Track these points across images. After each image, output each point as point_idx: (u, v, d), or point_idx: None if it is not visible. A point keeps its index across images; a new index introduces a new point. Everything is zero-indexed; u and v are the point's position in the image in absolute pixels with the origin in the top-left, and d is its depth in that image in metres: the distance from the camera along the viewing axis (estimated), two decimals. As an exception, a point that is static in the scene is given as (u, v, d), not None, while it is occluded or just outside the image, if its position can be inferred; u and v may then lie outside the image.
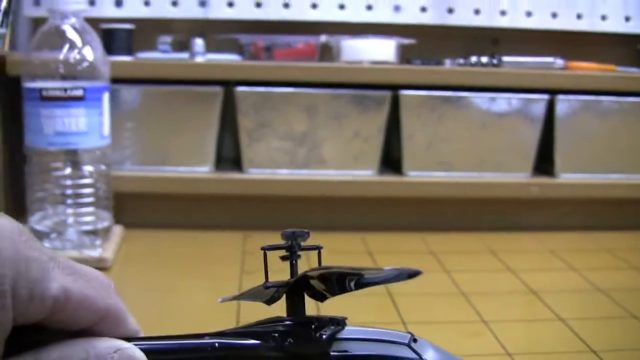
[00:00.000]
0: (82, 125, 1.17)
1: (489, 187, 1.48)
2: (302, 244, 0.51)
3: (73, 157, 1.21)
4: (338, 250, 1.32)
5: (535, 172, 1.53)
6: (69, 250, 1.19)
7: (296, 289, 0.49)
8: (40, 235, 1.21)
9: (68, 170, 1.21)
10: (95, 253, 1.19)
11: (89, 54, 1.18)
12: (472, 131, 1.48)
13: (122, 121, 1.41)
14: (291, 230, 0.50)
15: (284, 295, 0.50)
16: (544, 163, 1.54)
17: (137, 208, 1.44)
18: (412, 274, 0.45)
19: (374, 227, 1.48)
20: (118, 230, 1.33)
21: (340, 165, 1.46)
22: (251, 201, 1.46)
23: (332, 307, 1.01)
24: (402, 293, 1.09)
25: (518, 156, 1.51)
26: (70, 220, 1.22)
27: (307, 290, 0.49)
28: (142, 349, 0.43)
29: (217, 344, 0.46)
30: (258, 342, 0.47)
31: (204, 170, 1.45)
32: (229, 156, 1.58)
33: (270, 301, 0.50)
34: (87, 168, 1.22)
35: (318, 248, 0.51)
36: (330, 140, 1.45)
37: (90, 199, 1.23)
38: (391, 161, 1.55)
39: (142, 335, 0.46)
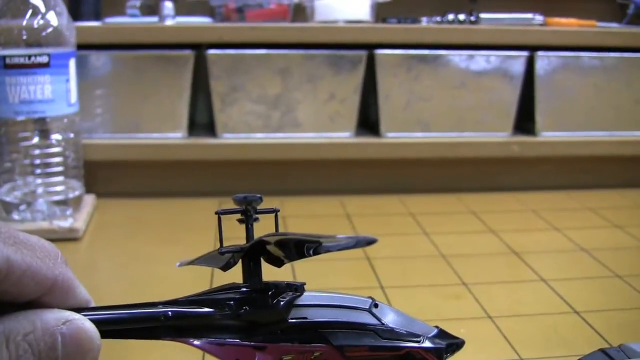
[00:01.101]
0: (48, 93, 1.15)
1: (469, 146, 1.46)
2: (258, 207, 0.50)
3: (41, 126, 1.18)
4: (316, 214, 1.31)
5: (516, 131, 1.52)
6: (39, 221, 1.17)
7: (252, 255, 0.48)
8: (9, 207, 1.19)
9: (36, 140, 1.19)
10: (66, 223, 1.17)
11: (53, 19, 1.15)
12: (450, 90, 1.47)
13: (91, 88, 1.39)
14: (242, 194, 0.49)
15: (240, 261, 0.49)
16: (525, 122, 1.53)
17: (109, 177, 1.42)
18: (370, 242, 0.44)
19: (352, 189, 1.47)
20: (90, 199, 1.31)
21: (316, 128, 1.45)
22: (226, 167, 1.44)
23: (306, 271, 1.01)
24: (381, 257, 1.08)
25: (498, 115, 1.49)
26: (40, 190, 1.20)
27: (263, 256, 0.48)
28: (92, 320, 0.42)
29: (169, 313, 0.45)
30: (212, 310, 0.46)
31: (176, 136, 1.43)
32: (202, 121, 1.57)
33: (225, 267, 0.49)
34: (55, 137, 1.20)
35: (274, 211, 0.50)
36: (305, 103, 1.44)
37: (59, 169, 1.21)
38: (368, 123, 1.54)
39: (93, 305, 0.44)
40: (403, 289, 0.97)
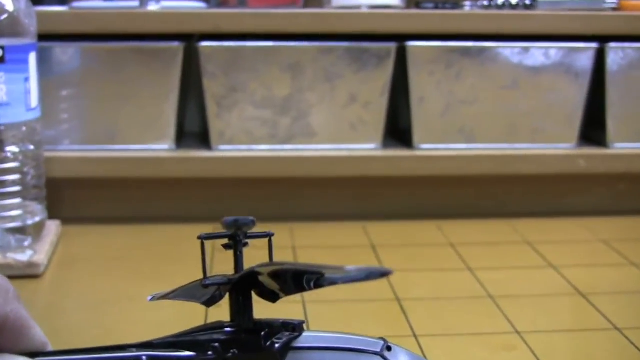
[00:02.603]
0: (2, 95, 1.15)
1: (523, 161, 1.45)
2: (249, 232, 0.49)
3: (-7, 136, 1.19)
4: (333, 244, 1.31)
5: (582, 142, 1.51)
6: (-10, 253, 1.17)
7: (242, 287, 0.47)
8: (-47, 236, 1.18)
9: (-15, 153, 1.19)
10: (23, 257, 1.16)
11: (7, 3, 1.15)
12: (499, 91, 1.46)
13: (56, 89, 1.39)
14: (233, 217, 0.48)
15: (227, 295, 0.48)
16: (593, 130, 1.51)
17: (77, 198, 1.42)
18: (384, 274, 0.43)
19: (378, 214, 1.46)
20: (53, 226, 1.30)
21: (334, 138, 1.44)
22: (222, 186, 1.44)
23: (320, 314, 0.99)
24: (413, 298, 1.07)
25: (560, 122, 1.48)
26: (-9, 215, 1.20)
27: (255, 289, 0.47)
28: None
29: (143, 358, 0.44)
30: (194, 354, 0.45)
31: (162, 148, 1.42)
32: (194, 130, 1.57)
33: (210, 302, 0.49)
34: (11, 149, 1.19)
35: (268, 235, 0.49)
36: (321, 107, 1.43)
37: (15, 189, 1.20)
38: (398, 131, 1.53)
39: (50, 349, 0.44)
40: (441, 338, 0.95)
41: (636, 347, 0.93)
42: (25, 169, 1.21)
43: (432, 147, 1.46)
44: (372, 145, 1.45)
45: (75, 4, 1.45)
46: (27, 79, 1.17)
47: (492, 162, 1.45)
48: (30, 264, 1.15)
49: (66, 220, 1.35)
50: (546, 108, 1.47)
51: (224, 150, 1.43)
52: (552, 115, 1.48)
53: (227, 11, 1.43)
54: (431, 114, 1.45)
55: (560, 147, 1.48)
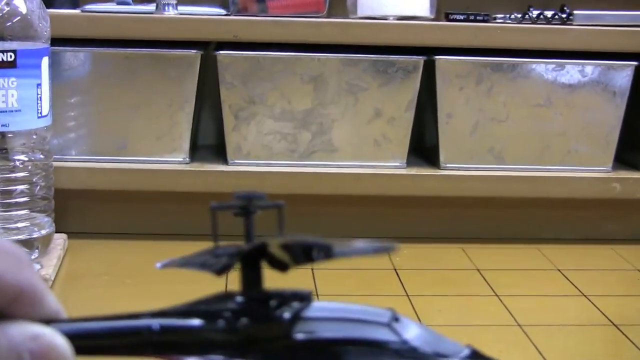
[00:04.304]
0: (13, 101, 1.17)
1: (555, 184, 1.47)
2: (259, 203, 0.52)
3: (1, 143, 1.20)
4: (354, 266, 1.31)
5: (618, 165, 1.52)
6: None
7: (252, 258, 0.49)
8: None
9: (-6, 161, 1.21)
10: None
11: (21, 5, 1.17)
12: (532, 109, 1.47)
13: (67, 96, 1.40)
14: (246, 192, 0.51)
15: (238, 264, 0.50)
16: (630, 153, 1.53)
17: (86, 211, 1.44)
18: (390, 249, 0.45)
19: (402, 235, 1.48)
20: (60, 240, 1.32)
21: (357, 155, 1.45)
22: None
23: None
24: (438, 324, 1.08)
25: (595, 143, 1.49)
26: (-3, 226, 1.22)
27: (265, 259, 0.50)
28: (64, 334, 0.43)
29: (156, 326, 0.46)
30: (204, 322, 0.47)
31: (175, 160, 1.44)
32: (209, 143, 1.58)
33: (221, 271, 0.51)
34: (20, 157, 1.21)
35: (279, 205, 0.52)
36: (343, 122, 1.45)
37: (23, 199, 1.22)
38: (424, 149, 1.55)
39: (64, 316, 0.46)
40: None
41: (671, 381, 0.95)
42: (34, 179, 1.23)
43: (459, 167, 1.47)
44: (396, 163, 1.46)
45: (88, 7, 1.46)
46: (39, 85, 1.19)
47: (522, 183, 1.46)
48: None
49: (74, 234, 1.37)
50: (581, 128, 1.48)
51: (241, 164, 1.44)
52: (587, 136, 1.49)
53: (246, 18, 1.44)
54: (459, 131, 1.47)
55: (594, 170, 1.49)
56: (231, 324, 0.48)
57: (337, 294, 1.12)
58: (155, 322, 0.47)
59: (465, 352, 0.52)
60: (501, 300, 1.19)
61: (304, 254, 0.48)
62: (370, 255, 0.47)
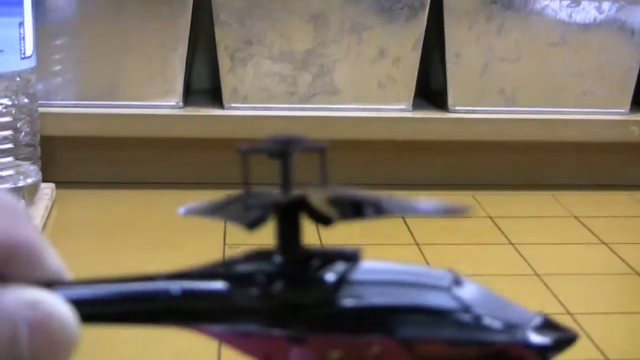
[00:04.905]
0: (-6, 40, 1.15)
1: (570, 127, 1.45)
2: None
3: (-19, 86, 1.19)
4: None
5: (636, 107, 1.50)
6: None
7: (290, 210, 0.46)
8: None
9: (-25, 105, 1.19)
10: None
11: None
12: (545, 49, 1.45)
13: (52, 36, 1.38)
14: (283, 135, 0.47)
15: (273, 218, 0.47)
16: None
17: (74, 159, 1.42)
18: (460, 210, 0.42)
19: (409, 182, 1.46)
20: (48, 189, 1.31)
21: (360, 97, 1.44)
22: (234, 148, 1.43)
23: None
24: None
25: (611, 84, 1.48)
26: (-20, 175, 1.20)
27: (305, 211, 0.46)
28: (68, 299, 0.40)
29: (176, 290, 0.43)
30: (233, 286, 0.44)
31: (168, 104, 1.42)
32: (204, 86, 1.57)
33: (253, 225, 0.47)
34: (3, 101, 1.20)
35: (321, 148, 0.48)
36: (346, 62, 1.43)
37: (8, 146, 1.21)
38: (431, 91, 1.53)
39: (67, 276, 0.43)
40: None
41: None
42: (18, 125, 1.22)
43: (468, 109, 1.46)
44: (401, 106, 1.45)
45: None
46: (21, 24, 1.18)
47: (534, 127, 1.45)
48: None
49: (61, 183, 1.36)
50: (596, 69, 1.47)
51: (238, 108, 1.43)
52: (603, 77, 1.48)
53: (242, -47, 1.42)
54: (468, 72, 1.45)
55: (611, 113, 1.48)
56: (265, 288, 0.44)
57: (342, 243, 1.10)
58: (175, 286, 0.43)
59: (537, 320, 0.49)
60: (516, 249, 1.18)
61: (352, 209, 0.45)
62: (435, 216, 0.44)
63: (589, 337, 0.91)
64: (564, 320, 0.92)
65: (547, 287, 1.05)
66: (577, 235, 1.25)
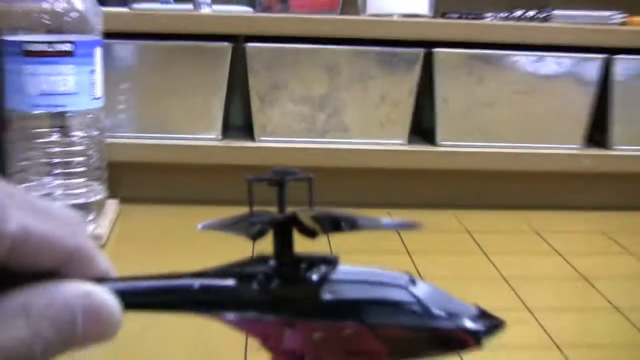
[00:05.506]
0: (71, 85, 1.16)
1: (534, 159, 1.46)
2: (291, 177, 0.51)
3: (61, 122, 1.20)
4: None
5: (587, 143, 1.51)
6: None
7: (285, 225, 0.49)
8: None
9: (55, 137, 1.20)
10: (87, 230, 1.18)
11: (78, 3, 1.16)
12: (516, 95, 1.47)
13: (116, 81, 1.40)
14: (281, 167, 0.50)
15: (271, 231, 0.50)
16: (598, 133, 1.52)
17: (134, 180, 1.44)
18: (413, 226, 0.45)
19: (403, 203, 1.47)
20: (112, 204, 1.32)
21: (365, 133, 1.45)
22: (263, 173, 1.43)
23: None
24: (435, 276, 1.08)
25: (568, 125, 1.49)
26: (58, 192, 1.21)
27: (296, 226, 0.49)
28: (113, 291, 0.42)
29: (195, 285, 0.46)
30: (240, 283, 0.47)
31: (210, 137, 1.44)
32: (238, 123, 1.58)
33: (256, 236, 0.50)
34: (77, 134, 1.21)
35: (309, 178, 0.51)
36: (354, 105, 1.44)
37: (80, 169, 1.22)
38: (423, 129, 1.54)
39: (114, 275, 0.45)
40: (459, 313, 0.97)
41: (633, 325, 0.95)
42: (90, 152, 1.23)
43: (453, 144, 1.47)
44: (398, 141, 1.46)
45: (135, 5, 1.46)
46: (92, 72, 1.19)
47: (506, 159, 1.46)
48: (93, 237, 1.17)
49: (124, 199, 1.38)
50: (556, 112, 1.48)
51: (266, 141, 1.44)
52: (562, 118, 1.48)
53: (271, 15, 1.44)
54: (453, 114, 1.46)
55: (567, 148, 1.49)
56: (264, 284, 0.46)
57: (344, 251, 1.12)
58: (196, 282, 0.46)
59: (473, 311, 0.52)
60: (488, 258, 1.19)
61: (332, 224, 0.47)
62: (393, 230, 0.46)
63: (543, 328, 0.93)
64: (524, 314, 0.94)
65: (512, 287, 1.06)
66: (537, 247, 1.26)
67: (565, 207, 1.49)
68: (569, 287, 1.09)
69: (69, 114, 1.19)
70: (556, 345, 0.88)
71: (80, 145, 1.22)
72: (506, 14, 1.52)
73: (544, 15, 1.50)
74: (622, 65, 1.47)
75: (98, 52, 1.21)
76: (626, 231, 1.37)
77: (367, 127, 1.45)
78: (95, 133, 1.24)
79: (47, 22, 1.15)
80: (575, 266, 1.16)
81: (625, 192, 1.53)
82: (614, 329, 0.94)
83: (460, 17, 1.49)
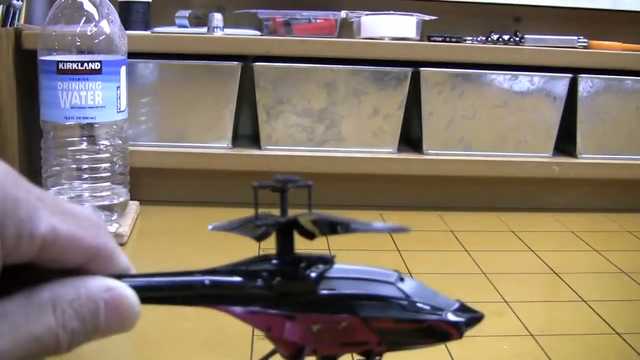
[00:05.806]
0: (99, 99, 1.16)
1: (509, 166, 1.46)
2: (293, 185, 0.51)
3: (89, 132, 1.20)
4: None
5: (557, 152, 1.52)
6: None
7: (286, 228, 0.49)
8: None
9: (84, 145, 1.20)
10: (111, 228, 1.18)
11: (106, 27, 1.17)
12: (492, 109, 1.47)
13: (139, 96, 1.40)
14: (283, 175, 0.51)
15: (274, 233, 0.50)
16: (565, 143, 1.52)
17: (153, 184, 1.44)
18: (402, 230, 0.45)
19: (393, 205, 1.47)
20: (134, 205, 1.33)
21: (359, 143, 1.45)
22: (269, 178, 1.43)
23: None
24: (421, 272, 1.09)
25: (539, 135, 1.49)
26: (86, 195, 1.21)
27: (296, 229, 0.49)
28: (132, 286, 0.43)
29: (206, 281, 0.46)
30: (246, 280, 0.47)
31: (221, 146, 1.44)
32: (247, 133, 1.58)
33: (260, 238, 0.50)
34: (104, 142, 1.21)
35: (308, 186, 0.51)
36: (350, 117, 1.44)
37: (106, 174, 1.22)
38: (411, 139, 1.54)
39: (133, 272, 0.45)
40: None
41: (598, 315, 0.95)
42: (114, 159, 1.23)
43: (438, 153, 1.47)
44: (389, 150, 1.46)
45: (156, 29, 1.47)
46: (118, 87, 1.19)
47: (484, 166, 1.46)
48: (116, 235, 1.17)
49: (144, 201, 1.38)
50: (529, 124, 1.48)
51: (271, 149, 1.44)
52: (534, 130, 1.49)
53: (276, 38, 1.44)
54: (438, 126, 1.46)
55: (539, 156, 1.49)
56: (267, 281, 0.47)
57: (341, 249, 1.12)
58: (206, 278, 0.46)
59: (455, 305, 0.52)
60: (469, 254, 1.19)
61: (329, 228, 0.47)
62: (383, 233, 0.46)
63: (518, 318, 0.93)
64: (501, 307, 0.94)
65: (490, 282, 1.06)
66: (513, 245, 1.26)
67: (537, 209, 1.50)
68: (541, 281, 1.09)
69: (96, 125, 1.19)
70: (530, 333, 0.88)
71: (106, 152, 1.22)
72: (484, 38, 1.52)
73: (517, 39, 1.50)
74: (587, 83, 1.48)
75: (123, 70, 1.21)
76: (592, 231, 1.37)
77: (361, 137, 1.45)
78: (120, 142, 1.24)
79: (79, 43, 1.15)
80: (546, 262, 1.16)
81: (591, 195, 1.53)
82: (580, 319, 0.94)
83: (444, 40, 1.50)
